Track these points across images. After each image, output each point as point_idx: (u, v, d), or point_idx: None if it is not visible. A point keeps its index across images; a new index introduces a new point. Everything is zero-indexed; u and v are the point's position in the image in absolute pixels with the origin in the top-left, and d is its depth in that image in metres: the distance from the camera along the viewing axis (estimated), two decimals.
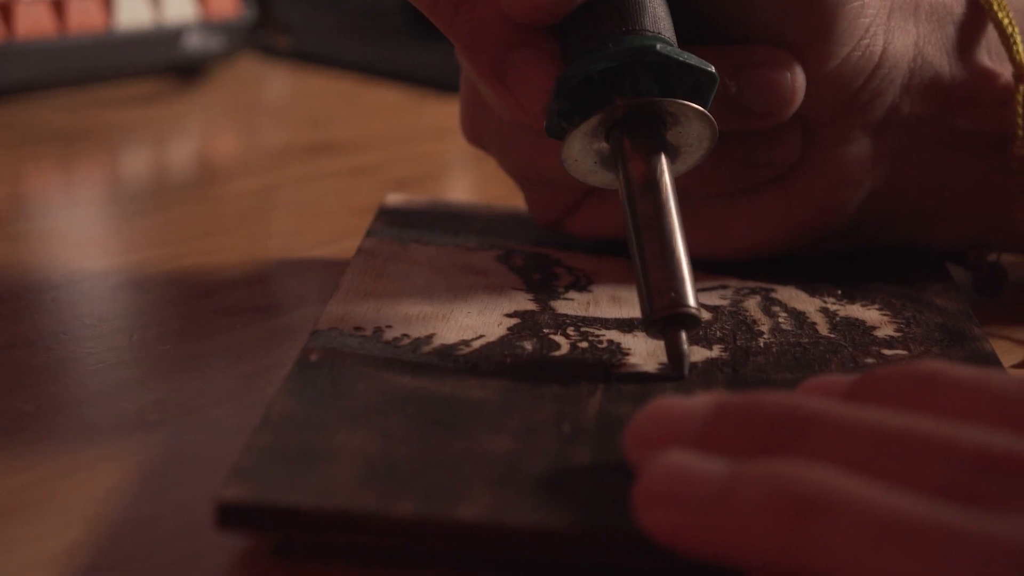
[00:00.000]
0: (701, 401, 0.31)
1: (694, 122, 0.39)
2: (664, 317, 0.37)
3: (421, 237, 0.47)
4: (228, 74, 0.77)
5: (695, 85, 0.39)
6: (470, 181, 0.65)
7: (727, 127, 0.41)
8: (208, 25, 0.74)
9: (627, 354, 0.39)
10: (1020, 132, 0.44)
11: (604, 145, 0.39)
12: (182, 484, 0.34)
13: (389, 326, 0.40)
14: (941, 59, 0.44)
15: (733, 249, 0.45)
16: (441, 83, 0.77)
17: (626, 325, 0.41)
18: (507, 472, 0.32)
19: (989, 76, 0.44)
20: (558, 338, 0.39)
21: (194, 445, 0.36)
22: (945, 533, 0.25)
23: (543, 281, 0.44)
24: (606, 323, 0.41)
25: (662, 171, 0.38)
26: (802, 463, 0.27)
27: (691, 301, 0.36)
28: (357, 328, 0.39)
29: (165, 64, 0.74)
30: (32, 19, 0.67)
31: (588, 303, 0.42)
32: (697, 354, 0.39)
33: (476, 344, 0.39)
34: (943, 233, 0.46)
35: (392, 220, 0.49)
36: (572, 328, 0.40)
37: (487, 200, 0.62)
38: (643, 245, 0.37)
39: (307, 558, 0.31)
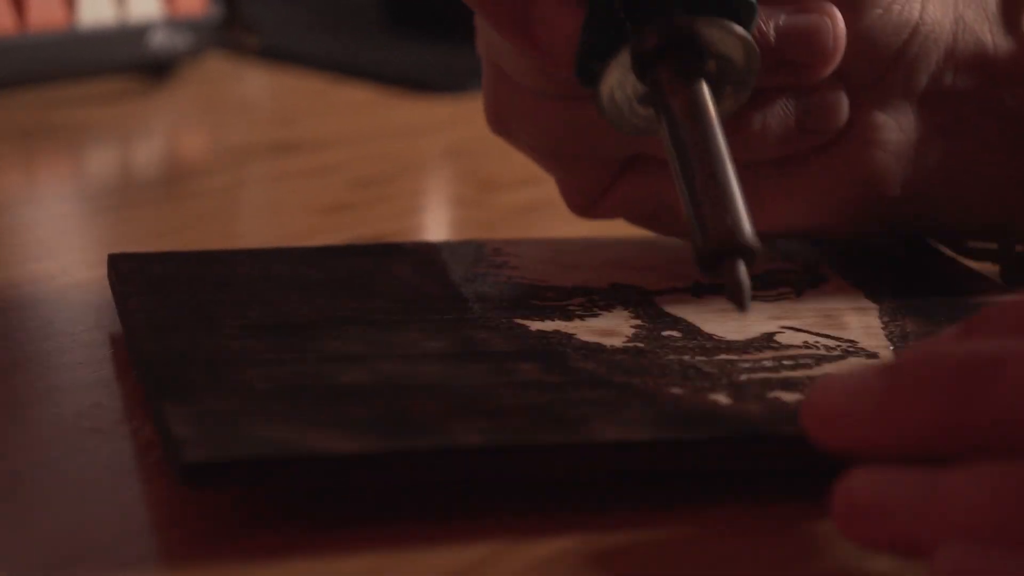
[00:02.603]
0: (871, 368, 0.31)
1: (734, 49, 0.37)
2: (719, 249, 0.34)
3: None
4: (196, 73, 0.76)
5: (733, 15, 0.37)
6: (436, 180, 0.64)
7: (769, 82, 0.40)
8: (174, 23, 0.73)
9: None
10: None
11: (640, 87, 0.37)
12: (120, 491, 0.33)
13: None
14: (983, 27, 0.42)
15: (777, 223, 0.43)
16: (413, 82, 0.76)
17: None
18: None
19: None
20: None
21: (130, 452, 0.35)
22: None
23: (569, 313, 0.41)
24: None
25: (705, 100, 0.36)
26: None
27: (748, 230, 0.34)
28: None
29: (130, 62, 0.73)
30: None
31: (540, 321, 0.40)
32: None
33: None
34: (992, 217, 0.45)
35: None
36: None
37: (453, 197, 0.61)
38: (692, 177, 0.35)
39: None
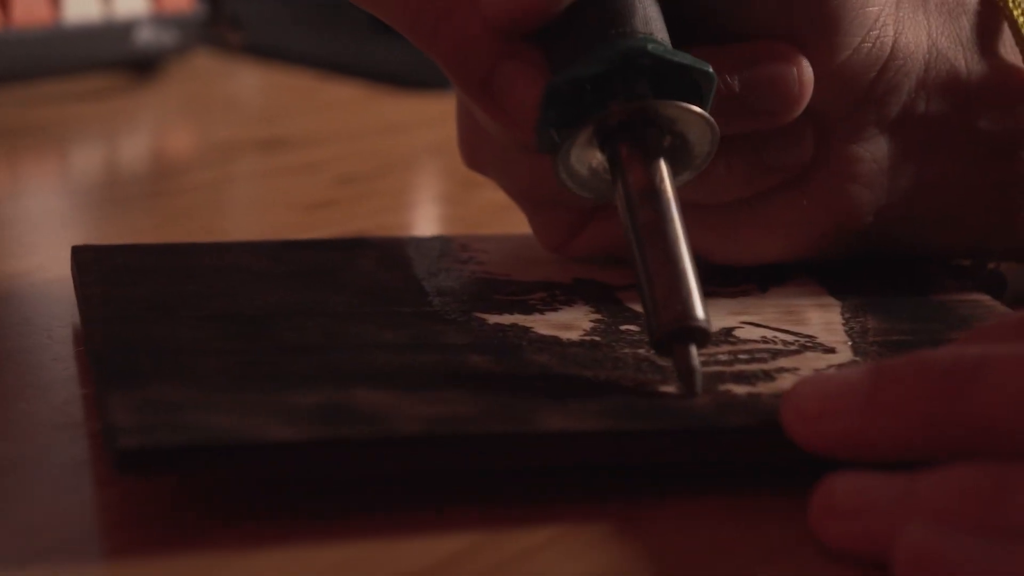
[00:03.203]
0: (855, 370, 0.33)
1: (694, 126, 0.37)
2: (671, 332, 0.34)
3: None
4: (182, 70, 0.76)
5: (692, 87, 0.37)
6: (421, 177, 0.64)
7: (734, 129, 0.39)
8: (160, 19, 0.73)
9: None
10: None
11: (600, 157, 0.37)
12: (91, 486, 0.33)
13: None
14: (956, 53, 0.42)
15: (751, 257, 0.43)
16: (401, 79, 0.75)
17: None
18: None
19: (1010, 72, 0.42)
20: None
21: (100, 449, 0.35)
22: None
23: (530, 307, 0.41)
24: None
25: (662, 177, 0.36)
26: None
27: (700, 313, 0.34)
28: None
29: (115, 59, 0.73)
30: None
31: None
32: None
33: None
34: (958, 238, 0.44)
35: None
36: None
37: (437, 194, 0.61)
38: (646, 257, 0.35)
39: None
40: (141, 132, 0.69)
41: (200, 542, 0.30)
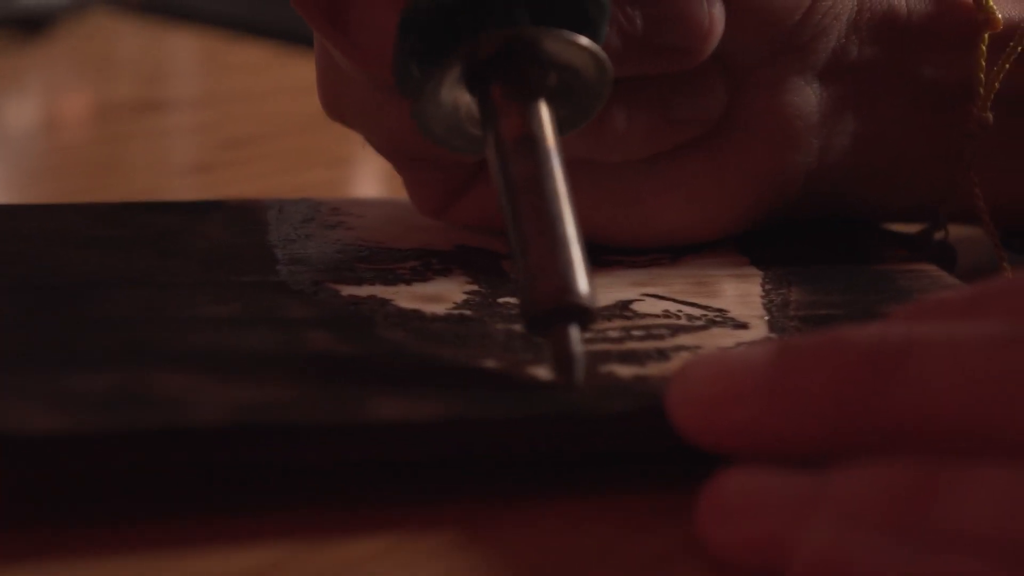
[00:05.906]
0: (758, 348, 0.27)
1: (582, 63, 0.31)
2: (547, 311, 0.29)
3: None
4: (78, 29, 0.73)
5: (581, 16, 0.31)
6: (319, 140, 0.59)
7: (634, 70, 0.35)
8: None
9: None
10: (982, 90, 0.38)
11: (471, 99, 0.32)
12: None
13: None
14: None
15: (656, 232, 0.38)
16: (311, 40, 0.71)
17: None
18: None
19: (956, 10, 0.38)
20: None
21: None
22: None
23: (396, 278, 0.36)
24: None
25: (541, 123, 0.31)
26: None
27: (582, 288, 0.29)
28: None
29: (1, 17, 0.69)
30: None
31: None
32: None
33: None
34: (901, 199, 0.40)
35: None
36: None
37: (332, 157, 0.57)
38: (520, 219, 0.30)
39: None
40: (26, 90, 0.66)
41: None
